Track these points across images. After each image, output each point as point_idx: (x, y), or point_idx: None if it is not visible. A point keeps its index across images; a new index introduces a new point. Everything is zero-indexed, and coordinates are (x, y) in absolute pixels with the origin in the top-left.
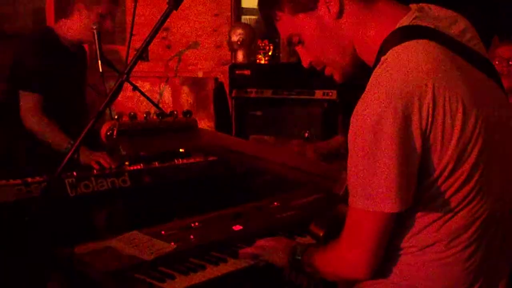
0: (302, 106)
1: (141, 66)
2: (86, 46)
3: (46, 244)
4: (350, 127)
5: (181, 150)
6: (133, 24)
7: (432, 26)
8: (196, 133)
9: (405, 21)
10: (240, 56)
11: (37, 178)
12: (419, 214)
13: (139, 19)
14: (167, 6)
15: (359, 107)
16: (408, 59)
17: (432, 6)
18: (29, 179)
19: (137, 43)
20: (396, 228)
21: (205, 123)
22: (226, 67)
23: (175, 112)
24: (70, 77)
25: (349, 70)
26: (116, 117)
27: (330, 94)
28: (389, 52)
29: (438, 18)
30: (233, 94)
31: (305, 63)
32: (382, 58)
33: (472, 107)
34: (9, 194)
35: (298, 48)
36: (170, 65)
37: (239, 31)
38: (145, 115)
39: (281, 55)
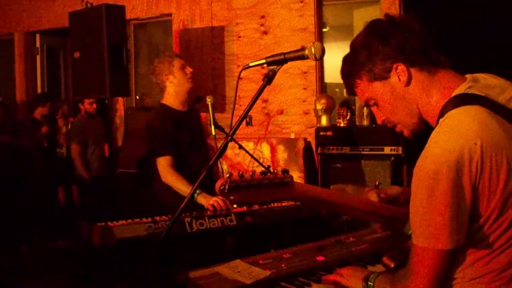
0: (374, 159)
1: (246, 130)
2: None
3: (168, 271)
4: (413, 177)
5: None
6: (236, 96)
7: (483, 94)
8: (291, 187)
9: (460, 89)
10: (323, 120)
11: (164, 217)
12: (470, 251)
13: (243, 93)
14: (262, 82)
15: (420, 161)
16: (460, 121)
17: (488, 76)
18: (157, 218)
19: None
20: (450, 263)
21: (296, 174)
22: (313, 130)
23: (275, 171)
24: (190, 134)
25: (416, 128)
26: (227, 175)
27: (396, 149)
28: (446, 115)
29: (489, 86)
30: (319, 151)
31: (379, 121)
32: (440, 120)
33: None
34: (142, 229)
35: (374, 109)
36: (269, 129)
37: (323, 101)
38: (251, 174)
39: (356, 119)
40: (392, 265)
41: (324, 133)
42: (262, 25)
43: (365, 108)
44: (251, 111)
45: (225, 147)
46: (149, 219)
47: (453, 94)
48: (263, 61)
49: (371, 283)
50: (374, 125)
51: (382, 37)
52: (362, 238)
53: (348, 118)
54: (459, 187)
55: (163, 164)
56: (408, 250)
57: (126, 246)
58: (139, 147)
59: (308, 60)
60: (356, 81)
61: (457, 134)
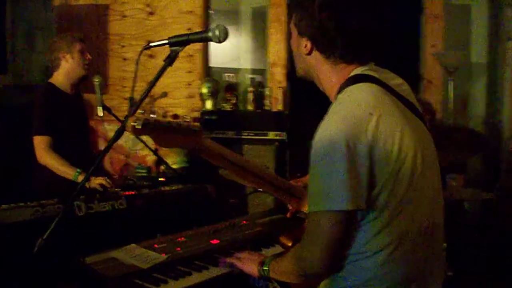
0: (259, 144)
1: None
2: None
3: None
4: (312, 148)
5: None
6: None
7: (377, 76)
8: (199, 136)
9: (358, 70)
10: (208, 104)
11: (50, 201)
12: (370, 219)
13: (128, 75)
14: (164, 63)
15: (319, 130)
16: (357, 94)
17: (384, 70)
18: (43, 202)
19: (126, 93)
20: (352, 235)
21: (181, 158)
22: (198, 113)
23: (186, 117)
24: (72, 117)
25: (302, 76)
26: (142, 112)
27: (281, 135)
28: (343, 90)
29: (383, 72)
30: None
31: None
32: (338, 96)
33: (406, 134)
34: (28, 214)
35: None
36: (152, 111)
37: (208, 84)
38: (163, 115)
39: (239, 104)
40: (290, 244)
41: (209, 117)
42: (148, 5)
43: (250, 94)
44: (134, 93)
45: (123, 127)
46: (35, 203)
47: (351, 75)
48: (166, 41)
49: (266, 268)
50: (259, 110)
51: (311, 11)
52: (255, 221)
53: (233, 102)
54: (356, 154)
55: (40, 143)
56: (304, 227)
57: (9, 232)
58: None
59: (194, 43)
60: (293, 13)
61: (354, 105)
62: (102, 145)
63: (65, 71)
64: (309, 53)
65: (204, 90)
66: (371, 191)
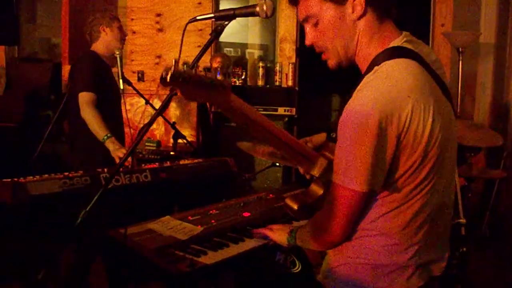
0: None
1: (137, 86)
2: None
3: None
4: (342, 117)
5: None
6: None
7: (417, 50)
8: (228, 93)
9: (397, 42)
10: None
11: (77, 173)
12: (381, 202)
13: (136, 48)
14: (210, 36)
15: (351, 102)
16: (396, 72)
17: (420, 41)
18: (70, 174)
19: (136, 67)
20: (363, 209)
21: (188, 132)
22: None
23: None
24: (112, 84)
25: (343, 63)
26: (173, 61)
27: (290, 110)
28: (381, 63)
29: (419, 44)
30: (213, 109)
31: (308, 41)
32: (375, 67)
33: (437, 120)
34: (56, 186)
35: (308, 28)
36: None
37: (218, 59)
38: (193, 67)
39: (248, 79)
40: (296, 207)
41: None
42: None
43: (260, 68)
44: (143, 66)
45: (168, 101)
46: (61, 175)
47: (390, 45)
48: (212, 15)
49: (293, 235)
50: (268, 86)
51: None
52: (281, 195)
53: (243, 77)
54: (385, 136)
55: (87, 99)
56: (309, 192)
57: (40, 203)
58: (21, 100)
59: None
60: None
61: (393, 84)
62: None
63: (105, 43)
64: (364, 13)
65: (215, 65)
66: (391, 174)
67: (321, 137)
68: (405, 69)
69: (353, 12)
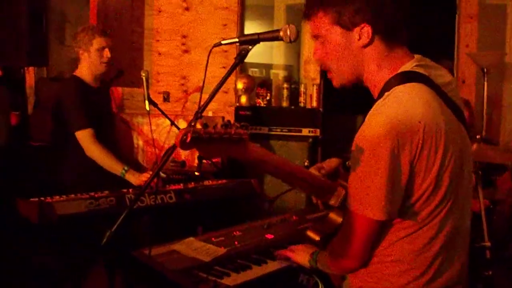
0: (292, 140)
1: (163, 106)
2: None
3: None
4: (354, 143)
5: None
6: (205, 74)
7: (427, 74)
8: (245, 146)
9: (407, 66)
10: (243, 100)
11: (103, 194)
12: (396, 228)
13: (163, 69)
14: (234, 61)
15: (363, 128)
16: (407, 97)
17: (433, 64)
18: (96, 195)
19: (162, 88)
20: (380, 236)
21: None
22: (231, 109)
23: (235, 123)
24: (100, 105)
25: (348, 84)
26: (193, 124)
27: (314, 131)
28: (392, 89)
29: (432, 68)
30: None
31: (315, 57)
32: (386, 93)
33: (449, 143)
34: (82, 206)
35: (318, 45)
36: (186, 106)
37: (244, 80)
38: (213, 126)
39: (273, 100)
40: (318, 238)
41: (243, 112)
42: (184, 0)
43: (285, 90)
44: (168, 87)
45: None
46: (87, 195)
47: (400, 70)
48: (236, 39)
49: (315, 257)
50: (293, 107)
51: None
52: (304, 217)
53: (267, 98)
54: (398, 162)
55: (86, 136)
56: (329, 221)
57: (66, 223)
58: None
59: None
60: (319, 12)
61: (403, 109)
62: (136, 139)
63: (86, 65)
64: (370, 42)
65: (240, 86)
66: (406, 200)
67: (333, 162)
68: (415, 94)
69: (359, 39)
